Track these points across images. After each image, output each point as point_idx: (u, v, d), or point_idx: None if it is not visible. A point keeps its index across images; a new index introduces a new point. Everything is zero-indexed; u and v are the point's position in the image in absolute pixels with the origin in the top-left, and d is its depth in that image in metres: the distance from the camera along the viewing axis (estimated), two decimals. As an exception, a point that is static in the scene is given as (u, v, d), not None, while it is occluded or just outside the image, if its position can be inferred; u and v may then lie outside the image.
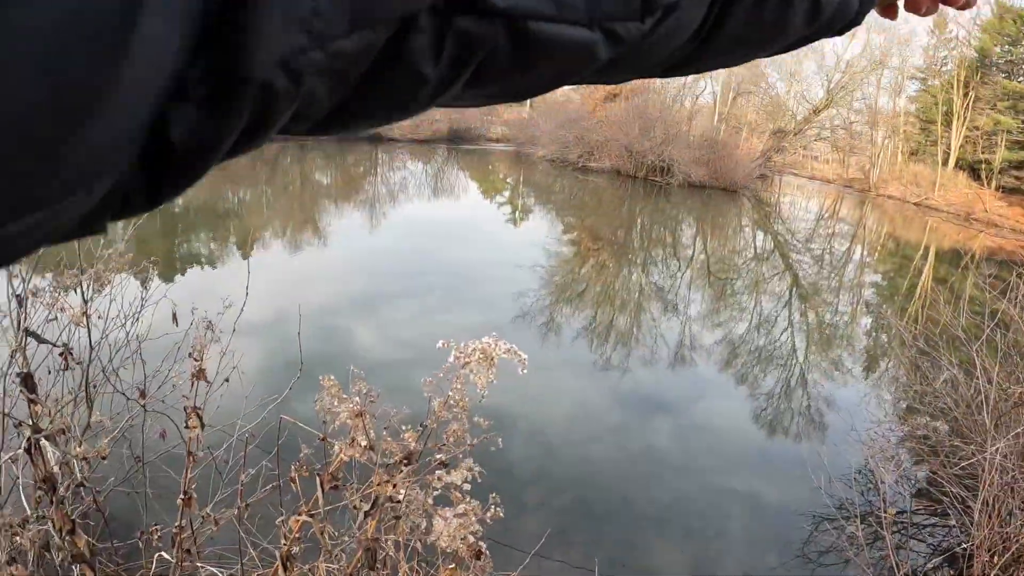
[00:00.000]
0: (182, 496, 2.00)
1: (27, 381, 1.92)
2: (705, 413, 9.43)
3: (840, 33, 0.68)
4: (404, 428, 1.86)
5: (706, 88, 45.56)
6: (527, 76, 0.47)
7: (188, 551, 2.05)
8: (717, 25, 0.55)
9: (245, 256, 18.19)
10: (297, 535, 1.82)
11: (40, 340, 2.20)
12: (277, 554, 1.87)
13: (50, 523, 1.78)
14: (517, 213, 28.74)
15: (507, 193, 34.44)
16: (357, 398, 1.82)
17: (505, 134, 50.27)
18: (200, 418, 2.12)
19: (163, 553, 2.33)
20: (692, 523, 6.36)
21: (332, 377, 1.90)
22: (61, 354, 2.17)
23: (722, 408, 9.68)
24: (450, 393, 1.83)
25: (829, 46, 43.95)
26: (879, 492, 6.15)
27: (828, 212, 37.30)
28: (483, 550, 1.82)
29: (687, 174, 33.84)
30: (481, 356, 1.80)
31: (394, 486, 1.74)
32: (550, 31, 0.43)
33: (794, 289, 17.93)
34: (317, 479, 1.80)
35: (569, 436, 8.07)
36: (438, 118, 48.08)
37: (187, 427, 2.11)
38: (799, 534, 6.07)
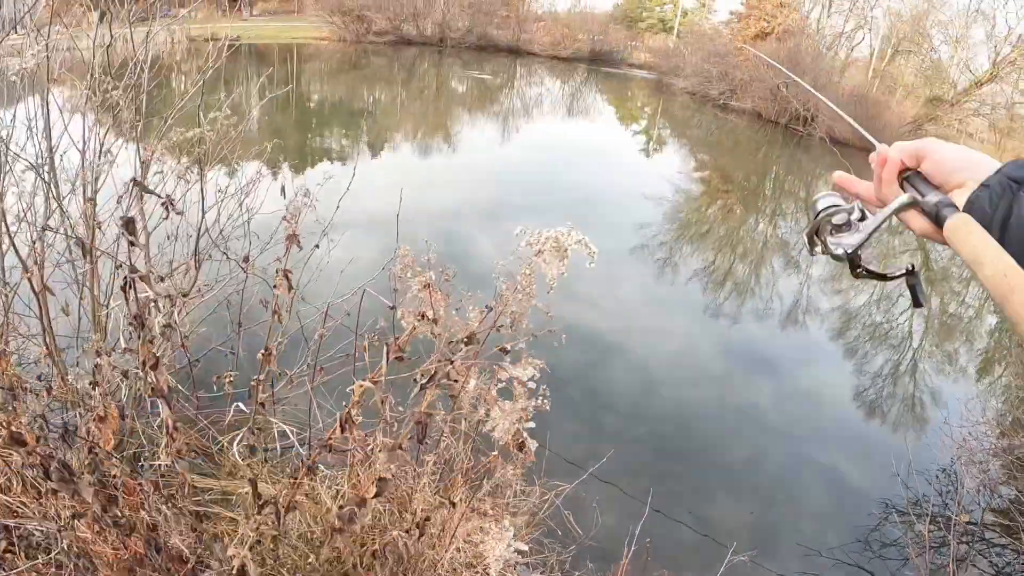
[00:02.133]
0: (263, 352, 2.08)
1: (128, 225, 2.02)
2: (807, 380, 9.22)
3: None
4: (470, 309, 1.85)
5: (864, 40, 42.74)
6: None
7: (263, 404, 2.13)
8: None
9: (375, 154, 18.71)
10: (357, 400, 1.87)
11: (145, 190, 2.30)
12: (337, 416, 1.92)
13: (137, 357, 1.88)
14: (651, 144, 28.24)
15: (643, 122, 33.90)
16: (431, 272, 1.82)
17: (648, 60, 49.11)
18: (289, 280, 2.20)
19: (241, 404, 2.45)
20: (764, 483, 6.30)
21: (407, 247, 1.90)
22: (163, 205, 2.26)
23: (825, 378, 9.45)
24: (518, 277, 1.80)
25: (1002, 14, 39.71)
26: (957, 496, 5.90)
27: (974, 197, 34.63)
28: (526, 440, 1.81)
29: (830, 128, 32.12)
30: (554, 245, 1.75)
31: (451, 363, 1.75)
32: None
33: (923, 271, 17.02)
34: (384, 348, 1.82)
35: (671, 374, 8.07)
36: (580, 37, 47.41)
37: (275, 287, 2.19)
38: (868, 521, 5.93)
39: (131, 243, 2.02)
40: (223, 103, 3.58)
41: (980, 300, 15.80)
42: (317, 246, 3.07)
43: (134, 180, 2.22)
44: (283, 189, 2.81)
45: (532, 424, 1.90)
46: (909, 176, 1.05)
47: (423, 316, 1.76)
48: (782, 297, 12.25)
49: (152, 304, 2.03)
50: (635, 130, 31.15)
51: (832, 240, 1.10)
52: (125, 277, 1.96)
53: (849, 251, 1.07)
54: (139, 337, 1.91)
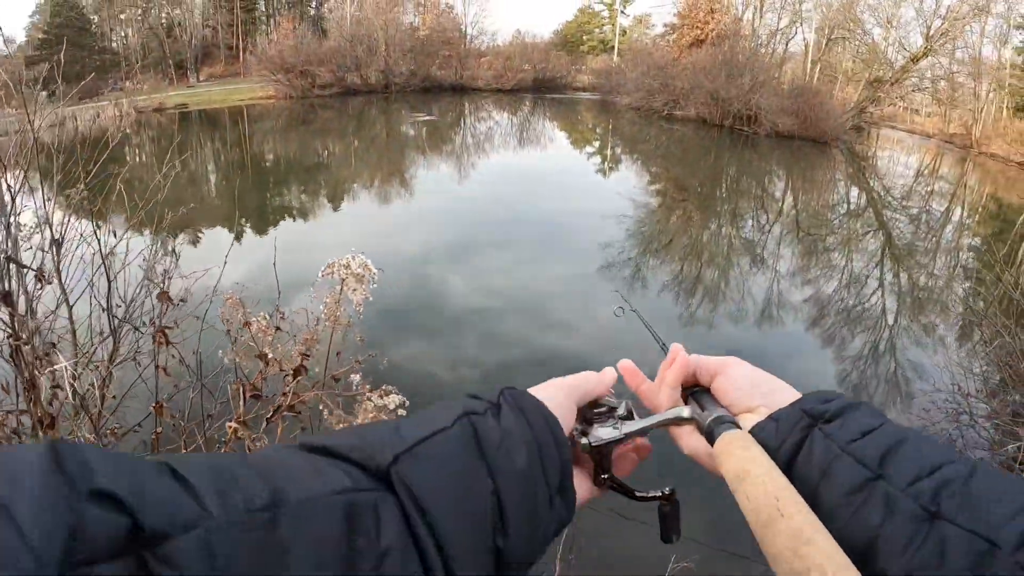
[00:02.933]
0: (154, 404, 2.19)
1: (5, 298, 2.13)
2: (790, 374, 9.15)
3: None
4: (292, 343, 1.96)
5: (797, 34, 43.70)
6: None
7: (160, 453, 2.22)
8: None
9: (336, 208, 18.82)
10: (228, 442, 1.96)
11: (19, 265, 2.40)
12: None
13: (31, 418, 1.97)
14: (606, 164, 28.57)
15: (596, 143, 34.25)
16: (250, 314, 1.93)
17: (590, 82, 49.66)
18: (166, 336, 2.31)
19: (146, 457, 2.53)
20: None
21: (233, 295, 2.01)
22: (36, 277, 2.38)
23: (807, 369, 9.53)
24: (321, 307, 1.92)
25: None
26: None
27: (927, 169, 35.32)
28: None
29: (774, 123, 32.78)
30: (346, 270, 1.85)
31: (285, 395, 1.86)
32: None
33: (887, 249, 17.25)
34: (240, 389, 1.93)
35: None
36: (524, 67, 47.89)
37: (155, 343, 2.31)
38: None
39: (10, 314, 2.13)
40: (124, 172, 3.68)
41: (949, 269, 16.05)
42: (184, 300, 3.10)
43: (5, 255, 2.34)
44: (173, 251, 2.91)
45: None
46: (696, 392, 0.94)
47: (263, 356, 1.88)
48: (754, 296, 12.42)
49: (36, 366, 2.13)
50: (588, 152, 31.49)
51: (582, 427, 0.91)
52: (11, 344, 2.07)
53: (594, 443, 0.87)
54: (30, 399, 2.02)
